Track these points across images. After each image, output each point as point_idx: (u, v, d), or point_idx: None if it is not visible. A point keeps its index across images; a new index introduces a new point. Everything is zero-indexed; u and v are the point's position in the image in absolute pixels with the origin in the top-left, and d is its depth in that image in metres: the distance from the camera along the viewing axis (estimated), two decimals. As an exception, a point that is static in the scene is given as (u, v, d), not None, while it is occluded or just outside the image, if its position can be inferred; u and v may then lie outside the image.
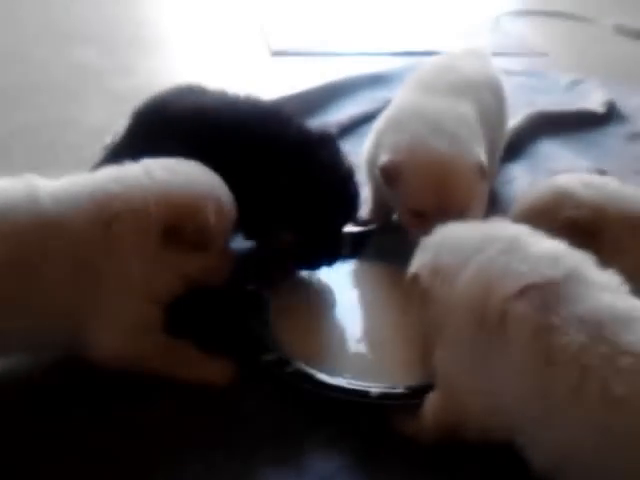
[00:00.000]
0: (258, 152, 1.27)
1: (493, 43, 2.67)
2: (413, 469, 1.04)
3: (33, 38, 2.55)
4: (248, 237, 1.37)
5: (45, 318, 1.06)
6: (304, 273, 1.39)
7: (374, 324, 1.30)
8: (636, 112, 2.24)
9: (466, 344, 0.98)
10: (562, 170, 1.62)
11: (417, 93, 1.53)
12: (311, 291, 1.37)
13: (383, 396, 1.11)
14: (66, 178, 1.13)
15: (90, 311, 1.08)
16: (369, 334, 1.27)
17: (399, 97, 1.57)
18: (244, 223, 1.25)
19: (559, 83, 2.47)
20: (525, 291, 0.94)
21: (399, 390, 1.12)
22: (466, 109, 1.45)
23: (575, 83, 2.46)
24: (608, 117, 2.18)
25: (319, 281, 1.39)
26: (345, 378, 1.14)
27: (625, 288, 0.96)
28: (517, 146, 1.91)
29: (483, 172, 1.34)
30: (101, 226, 1.07)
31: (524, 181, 1.73)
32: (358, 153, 1.49)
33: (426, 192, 1.33)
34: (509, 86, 1.73)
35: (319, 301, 1.36)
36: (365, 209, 1.50)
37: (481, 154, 1.36)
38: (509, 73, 2.06)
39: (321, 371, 1.14)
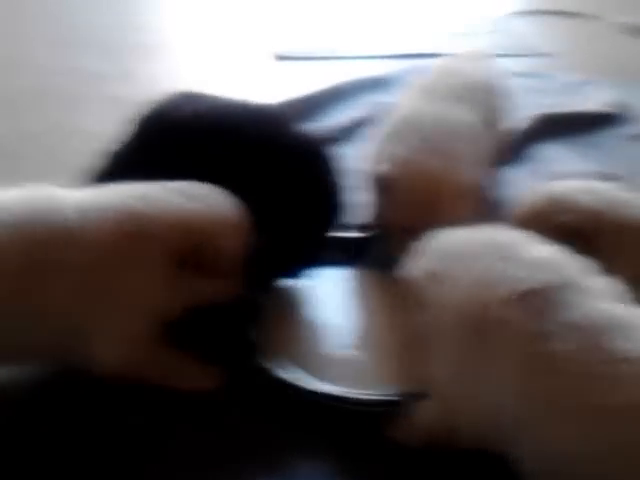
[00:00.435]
0: (245, 156, 1.26)
1: (495, 44, 2.66)
2: (403, 475, 1.03)
3: (34, 44, 2.56)
4: None
5: (50, 329, 1.06)
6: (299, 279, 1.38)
7: (368, 330, 1.30)
8: (641, 112, 2.23)
9: (459, 350, 0.97)
10: (566, 173, 1.61)
11: (419, 99, 1.55)
12: (303, 297, 1.37)
13: (374, 402, 1.10)
14: (90, 189, 1.14)
15: (90, 324, 1.07)
16: (362, 341, 1.27)
17: (402, 103, 1.58)
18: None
19: (563, 84, 2.44)
20: (522, 297, 0.93)
21: (391, 396, 1.11)
22: (467, 115, 1.46)
23: (580, 84, 2.43)
24: (612, 118, 2.16)
25: (311, 287, 1.38)
26: (337, 385, 1.14)
27: (624, 295, 0.94)
28: (518, 149, 1.90)
29: (473, 192, 1.35)
30: (120, 243, 1.06)
31: (525, 184, 1.70)
32: (358, 157, 1.50)
33: (411, 209, 1.34)
34: (512, 88, 1.73)
35: (311, 307, 1.35)
36: (364, 214, 1.49)
37: (473, 171, 1.36)
38: (512, 74, 2.06)
39: (312, 378, 1.14)
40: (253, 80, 2.33)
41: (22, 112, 2.02)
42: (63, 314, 1.05)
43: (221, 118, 1.34)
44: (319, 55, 2.64)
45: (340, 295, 1.38)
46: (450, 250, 1.05)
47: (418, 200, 1.34)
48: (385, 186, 1.37)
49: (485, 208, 1.46)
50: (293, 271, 1.36)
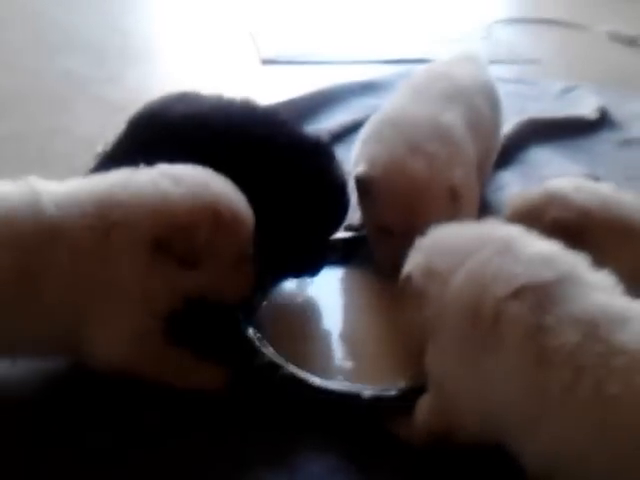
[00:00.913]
0: (249, 156, 1.26)
1: (485, 51, 2.66)
2: (405, 471, 1.04)
3: (23, 47, 2.54)
4: None
5: (45, 324, 1.06)
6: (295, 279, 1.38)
7: (364, 328, 1.29)
8: (628, 119, 2.25)
9: (459, 345, 0.98)
10: (554, 176, 1.61)
11: (406, 100, 1.53)
12: (302, 296, 1.37)
13: (375, 398, 1.10)
14: (74, 181, 1.13)
15: (88, 318, 1.07)
16: (359, 338, 1.27)
17: (388, 103, 1.57)
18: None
19: (551, 90, 2.47)
20: (519, 292, 0.94)
21: (391, 392, 1.12)
22: (453, 118, 1.44)
23: (567, 90, 2.46)
24: (600, 124, 2.18)
25: (310, 286, 1.38)
26: (337, 381, 1.15)
27: (618, 288, 0.96)
28: (509, 153, 1.91)
29: (455, 195, 1.34)
30: (100, 234, 1.06)
31: (516, 188, 1.72)
32: (348, 161, 1.49)
33: (393, 212, 1.34)
34: (501, 94, 1.74)
35: (310, 306, 1.36)
36: (356, 215, 1.49)
37: (457, 174, 1.35)
38: (501, 81, 2.06)
39: (312, 374, 1.14)
40: (240, 84, 2.32)
41: (10, 114, 2.00)
42: (57, 309, 1.05)
43: (221, 117, 1.33)
44: (305, 60, 2.63)
45: (334, 293, 1.38)
46: (447, 246, 1.06)
47: (398, 202, 1.33)
48: (365, 187, 1.36)
49: (474, 209, 1.46)
50: (296, 272, 1.35)
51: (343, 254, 1.44)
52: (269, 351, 1.17)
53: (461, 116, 1.46)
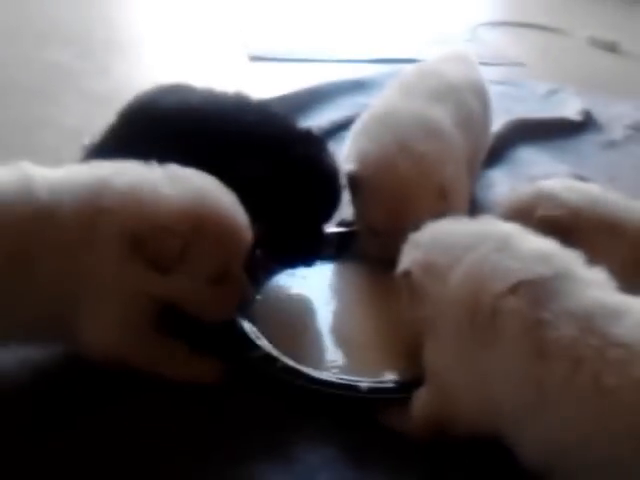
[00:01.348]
0: (240, 144, 1.25)
1: (470, 52, 2.69)
2: (401, 462, 1.04)
3: (8, 38, 2.52)
4: None
5: (36, 310, 1.04)
6: (289, 272, 1.39)
7: (357, 322, 1.30)
8: (611, 121, 2.30)
9: (458, 340, 0.99)
10: (541, 176, 1.64)
11: (397, 97, 1.54)
12: (296, 290, 1.37)
13: (372, 390, 1.11)
14: (69, 167, 1.12)
15: (78, 305, 1.06)
16: (352, 332, 1.27)
17: (379, 100, 1.57)
18: None
19: (536, 92, 2.50)
20: (517, 288, 0.96)
21: (388, 384, 1.13)
22: (443, 115, 1.45)
23: (552, 92, 2.49)
24: (584, 125, 2.23)
25: (304, 281, 1.39)
26: (331, 374, 1.15)
27: (612, 284, 0.98)
28: (496, 152, 1.93)
29: (443, 194, 1.34)
30: (89, 219, 1.04)
31: (504, 186, 1.74)
32: (338, 157, 1.49)
33: (380, 210, 1.35)
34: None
35: (303, 300, 1.36)
36: (349, 211, 1.49)
37: (447, 172, 1.35)
38: (486, 82, 2.08)
39: (306, 367, 1.14)
40: (227, 80, 2.31)
41: (-1, 105, 1.99)
42: (48, 294, 1.04)
43: (212, 107, 1.33)
44: (293, 57, 2.63)
45: (327, 287, 1.39)
46: (445, 243, 1.07)
47: (386, 200, 1.33)
48: (355, 185, 1.36)
49: (464, 205, 1.47)
50: (291, 261, 1.35)
51: (337, 249, 1.44)
52: (265, 344, 1.17)
53: (451, 113, 1.47)
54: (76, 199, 1.05)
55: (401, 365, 1.17)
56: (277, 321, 1.26)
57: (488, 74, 2.34)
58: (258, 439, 1.06)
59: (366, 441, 1.07)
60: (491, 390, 0.95)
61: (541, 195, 1.26)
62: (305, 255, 1.32)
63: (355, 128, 1.49)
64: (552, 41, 3.20)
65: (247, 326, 1.20)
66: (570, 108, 2.30)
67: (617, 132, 2.24)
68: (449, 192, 1.35)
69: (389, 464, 1.04)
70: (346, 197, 1.40)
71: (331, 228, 1.43)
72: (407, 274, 1.08)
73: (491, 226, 1.09)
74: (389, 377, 1.15)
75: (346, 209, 1.43)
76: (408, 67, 1.75)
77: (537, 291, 0.94)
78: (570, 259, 1.01)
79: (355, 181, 1.36)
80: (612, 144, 2.16)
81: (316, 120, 2.00)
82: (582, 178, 1.70)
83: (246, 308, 1.24)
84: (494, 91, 2.17)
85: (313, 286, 1.38)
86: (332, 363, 1.19)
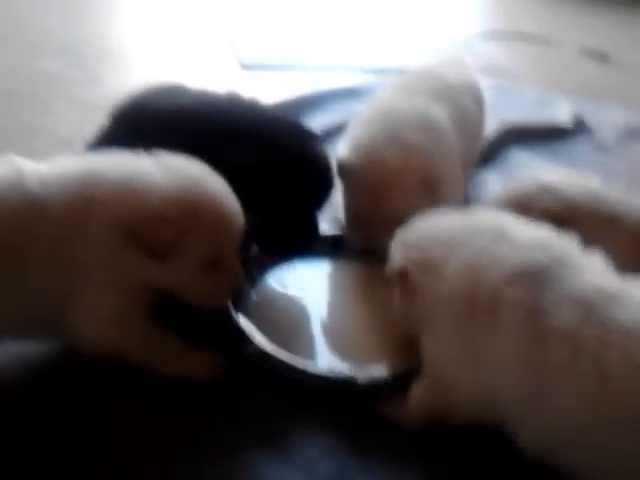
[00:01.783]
0: (231, 135, 1.26)
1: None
2: (400, 451, 1.05)
3: (2, 49, 2.53)
4: None
5: (29, 303, 1.05)
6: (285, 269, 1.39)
7: (351, 318, 1.31)
8: (601, 126, 2.31)
9: (457, 332, 1.00)
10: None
11: (397, 95, 1.56)
12: (290, 287, 1.37)
13: (369, 383, 1.12)
14: (61, 160, 1.12)
15: (72, 298, 1.06)
16: (346, 328, 1.28)
17: (378, 96, 1.60)
18: None
19: (527, 99, 2.52)
20: (516, 277, 0.96)
21: (384, 377, 1.14)
22: (440, 112, 1.47)
23: (543, 99, 2.51)
24: (576, 129, 2.25)
25: (299, 278, 1.39)
26: (328, 367, 1.16)
27: (610, 270, 0.99)
28: (489, 155, 1.95)
29: (428, 186, 1.35)
30: (82, 211, 1.04)
31: (496, 187, 1.75)
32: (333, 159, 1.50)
33: (361, 197, 1.36)
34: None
35: (298, 297, 1.36)
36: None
37: (435, 167, 1.36)
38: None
39: (302, 361, 1.16)
40: (219, 88, 2.32)
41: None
42: (41, 287, 1.04)
43: (205, 105, 1.34)
44: (284, 66, 2.64)
45: (322, 285, 1.39)
46: (440, 237, 1.07)
47: (367, 188, 1.35)
48: (342, 171, 1.38)
49: (459, 204, 1.47)
50: (281, 250, 1.35)
51: (331, 248, 1.45)
52: (261, 339, 1.18)
53: (448, 112, 1.49)
54: (67, 191, 1.05)
55: (395, 359, 1.17)
56: (272, 317, 1.27)
57: (481, 83, 2.38)
58: (256, 430, 1.07)
59: (365, 431, 1.08)
60: (492, 379, 0.96)
61: (542, 188, 1.27)
62: (296, 244, 1.33)
63: (353, 122, 1.51)
64: (544, 51, 3.22)
65: (242, 321, 1.21)
66: (561, 113, 2.33)
67: (609, 135, 2.26)
68: (437, 187, 1.36)
69: (388, 454, 1.05)
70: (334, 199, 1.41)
71: (328, 231, 1.46)
72: (404, 273, 1.08)
73: (484, 218, 1.09)
74: (383, 371, 1.16)
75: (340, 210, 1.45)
76: (408, 69, 1.77)
77: (536, 279, 0.95)
78: (567, 246, 1.01)
79: (342, 168, 1.37)
80: (604, 147, 2.18)
81: (309, 124, 2.00)
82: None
83: (242, 304, 1.25)
84: (487, 99, 2.21)
85: (308, 283, 1.38)
86: (327, 358, 1.20)
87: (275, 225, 1.27)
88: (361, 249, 1.38)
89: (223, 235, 1.10)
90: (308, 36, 3.08)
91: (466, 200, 1.63)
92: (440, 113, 1.46)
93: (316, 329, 1.27)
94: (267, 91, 2.27)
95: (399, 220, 1.19)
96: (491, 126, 2.02)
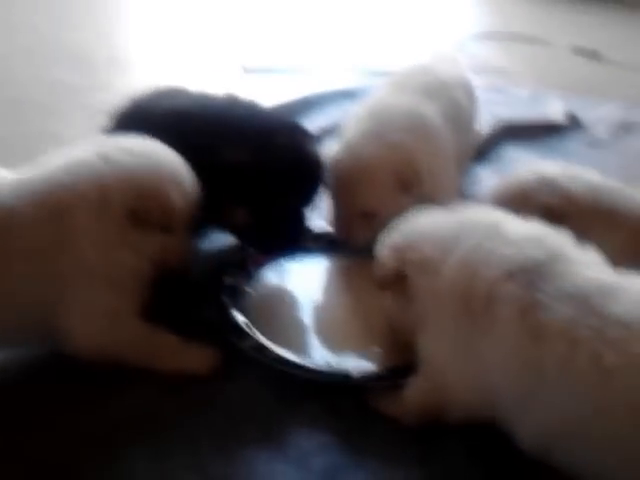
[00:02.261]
0: (227, 133, 1.30)
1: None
2: (395, 447, 1.06)
3: (15, 59, 2.61)
4: (206, 219, 1.32)
5: (14, 314, 1.06)
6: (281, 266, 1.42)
7: (347, 313, 1.33)
8: (594, 123, 2.34)
9: (454, 329, 0.99)
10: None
11: (390, 93, 1.58)
12: (285, 284, 1.41)
13: (364, 378, 1.13)
14: (26, 170, 1.13)
15: (58, 302, 1.07)
16: (340, 324, 1.30)
17: (372, 95, 1.62)
18: (204, 204, 1.24)
19: (520, 97, 2.55)
20: (511, 273, 0.95)
21: (379, 372, 1.15)
22: (434, 112, 1.49)
23: (535, 96, 2.55)
24: (569, 126, 2.28)
25: (293, 275, 1.42)
26: (324, 362, 1.18)
27: (606, 264, 0.98)
28: (483, 151, 1.98)
29: (404, 183, 1.36)
30: (53, 219, 1.06)
31: (490, 183, 1.73)
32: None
33: (338, 191, 1.39)
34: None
35: (293, 293, 1.39)
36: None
37: (418, 166, 1.37)
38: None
39: (298, 356, 1.17)
40: (221, 91, 2.37)
41: (1, 120, 2.05)
42: (25, 297, 1.05)
43: (203, 105, 1.38)
44: (285, 68, 2.68)
45: (316, 281, 1.42)
46: (435, 235, 1.06)
47: (344, 179, 1.38)
48: (329, 167, 1.40)
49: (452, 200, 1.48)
50: (272, 246, 1.37)
51: (327, 245, 1.48)
52: (257, 334, 1.20)
53: (441, 109, 1.52)
54: (36, 202, 1.07)
55: (389, 355, 1.19)
56: (267, 313, 1.29)
57: (476, 82, 2.43)
58: (251, 425, 1.08)
59: (360, 427, 1.08)
60: (489, 376, 0.95)
61: (540, 181, 1.25)
62: (286, 239, 1.35)
63: (347, 120, 1.54)
64: (537, 51, 3.27)
65: (238, 317, 1.24)
66: (554, 110, 2.36)
67: (602, 131, 2.29)
68: (416, 184, 1.37)
69: (383, 449, 1.05)
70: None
71: (322, 228, 1.48)
72: (402, 276, 1.07)
73: (477, 215, 1.08)
74: (377, 365, 1.17)
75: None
76: (402, 66, 1.79)
77: (531, 275, 0.94)
78: (562, 241, 1.00)
79: (329, 164, 1.40)
80: (598, 143, 2.21)
81: (307, 124, 2.05)
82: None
83: (238, 300, 1.28)
84: (480, 97, 2.25)
85: (303, 280, 1.41)
86: (321, 354, 1.21)
87: (265, 222, 1.30)
88: (341, 242, 1.40)
89: (190, 198, 1.16)
90: (307, 39, 3.14)
91: (461, 196, 1.65)
92: (431, 110, 1.48)
93: (311, 324, 1.29)
94: (268, 94, 2.31)
95: (376, 215, 1.23)
96: (486, 124, 2.07)
